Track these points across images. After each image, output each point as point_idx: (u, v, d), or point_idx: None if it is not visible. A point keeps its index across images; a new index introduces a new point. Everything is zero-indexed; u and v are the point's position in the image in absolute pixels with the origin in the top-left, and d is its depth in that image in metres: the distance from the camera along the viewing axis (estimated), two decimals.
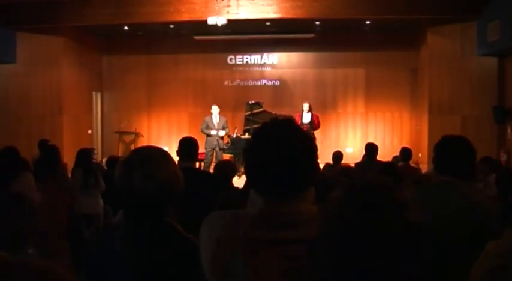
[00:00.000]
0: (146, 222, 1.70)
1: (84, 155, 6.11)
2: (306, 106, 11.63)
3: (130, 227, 1.72)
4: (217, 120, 11.31)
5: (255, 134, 1.46)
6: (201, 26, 11.50)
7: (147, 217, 1.70)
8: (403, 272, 0.94)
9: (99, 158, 12.38)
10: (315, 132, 11.55)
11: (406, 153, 7.15)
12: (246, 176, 1.45)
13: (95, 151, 9.90)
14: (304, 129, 11.24)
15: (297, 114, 11.72)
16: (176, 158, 4.07)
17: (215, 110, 11.35)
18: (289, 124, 1.43)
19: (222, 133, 11.25)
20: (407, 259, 0.94)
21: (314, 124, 11.61)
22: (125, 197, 1.71)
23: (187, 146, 4.02)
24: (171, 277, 1.61)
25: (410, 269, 0.94)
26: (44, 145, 7.39)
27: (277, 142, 1.37)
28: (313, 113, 11.69)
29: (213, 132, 11.10)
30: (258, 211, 1.36)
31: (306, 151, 1.39)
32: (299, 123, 11.52)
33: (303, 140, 1.41)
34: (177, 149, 4.04)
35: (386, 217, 0.94)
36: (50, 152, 5.42)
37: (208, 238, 1.41)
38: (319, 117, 11.91)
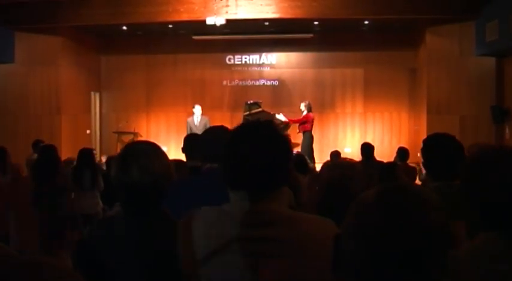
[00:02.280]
0: (144, 213, 1.76)
1: (88, 155, 6.12)
2: (302, 106, 11.39)
3: (130, 219, 1.77)
4: (199, 120, 11.20)
5: (233, 135, 1.49)
6: (200, 26, 11.50)
7: (145, 208, 1.75)
8: (426, 272, 0.96)
9: (98, 158, 12.37)
10: (312, 132, 11.30)
11: (402, 153, 7.15)
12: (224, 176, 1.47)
13: (95, 151, 9.90)
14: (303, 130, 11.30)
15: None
16: (177, 156, 3.99)
17: (197, 110, 11.25)
18: (266, 125, 1.47)
19: None
20: (430, 259, 0.96)
21: (295, 121, 11.36)
22: (123, 191, 1.76)
23: (194, 143, 3.40)
24: (171, 265, 1.64)
25: (433, 269, 0.96)
26: (38, 145, 7.37)
27: (256, 142, 1.41)
28: (309, 113, 11.28)
29: None
30: (245, 212, 1.40)
31: (282, 151, 1.44)
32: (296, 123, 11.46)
33: (279, 141, 1.45)
34: (182, 146, 3.77)
35: (414, 218, 0.97)
36: (48, 152, 5.41)
37: (193, 236, 1.44)
38: (315, 117, 11.55)
